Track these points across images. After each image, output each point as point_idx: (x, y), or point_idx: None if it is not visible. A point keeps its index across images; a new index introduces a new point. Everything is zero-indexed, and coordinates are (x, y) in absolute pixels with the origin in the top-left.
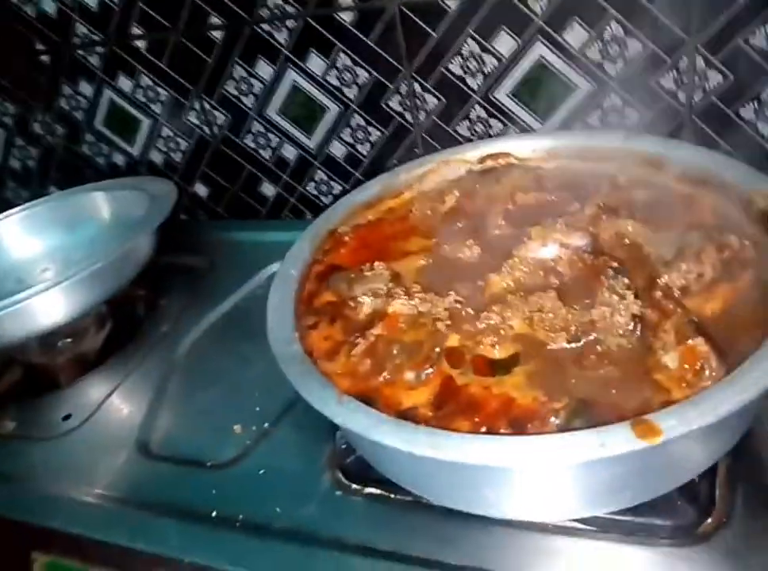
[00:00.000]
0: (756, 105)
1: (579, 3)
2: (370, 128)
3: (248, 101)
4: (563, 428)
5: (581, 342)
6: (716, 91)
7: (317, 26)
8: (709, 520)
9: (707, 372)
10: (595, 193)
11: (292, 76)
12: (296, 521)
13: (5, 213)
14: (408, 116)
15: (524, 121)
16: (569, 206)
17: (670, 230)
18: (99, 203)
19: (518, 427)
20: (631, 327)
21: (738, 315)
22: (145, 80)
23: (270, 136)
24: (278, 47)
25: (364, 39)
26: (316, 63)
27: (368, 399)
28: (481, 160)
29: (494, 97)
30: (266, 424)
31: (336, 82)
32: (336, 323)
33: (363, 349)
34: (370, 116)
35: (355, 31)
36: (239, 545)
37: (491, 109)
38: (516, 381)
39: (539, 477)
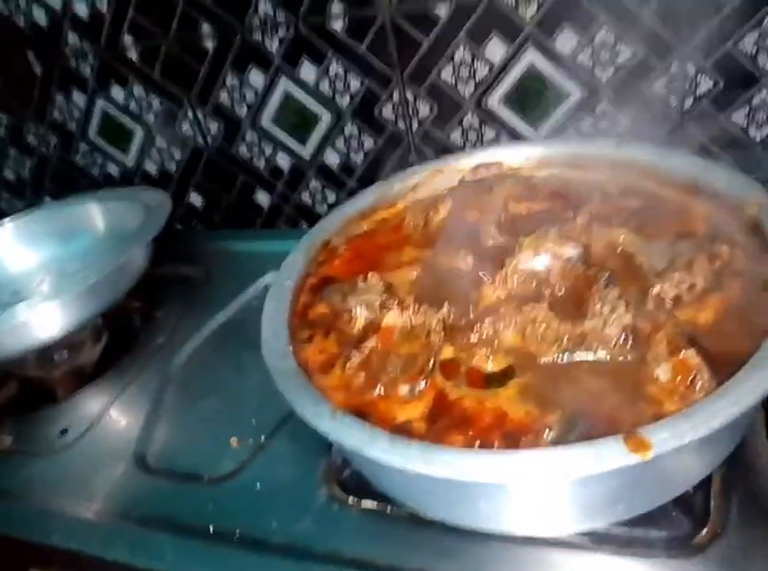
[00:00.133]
0: (747, 110)
1: (569, 9)
2: (363, 136)
3: (241, 109)
4: (557, 442)
5: (574, 355)
6: (707, 96)
7: (309, 34)
8: (705, 531)
9: (699, 384)
10: (587, 202)
11: (285, 84)
12: (292, 536)
13: None
14: (401, 124)
15: (516, 128)
16: (561, 215)
17: (662, 239)
18: (94, 214)
19: (512, 441)
20: (622, 338)
21: (730, 324)
22: (138, 90)
23: (264, 144)
24: (271, 55)
25: (356, 47)
26: (308, 71)
27: (363, 413)
28: (474, 169)
29: (486, 105)
30: (262, 437)
31: (328, 91)
32: (330, 336)
33: (358, 362)
34: (363, 124)
35: (347, 39)
36: (236, 560)
37: (484, 116)
38: (510, 394)
39: (532, 492)
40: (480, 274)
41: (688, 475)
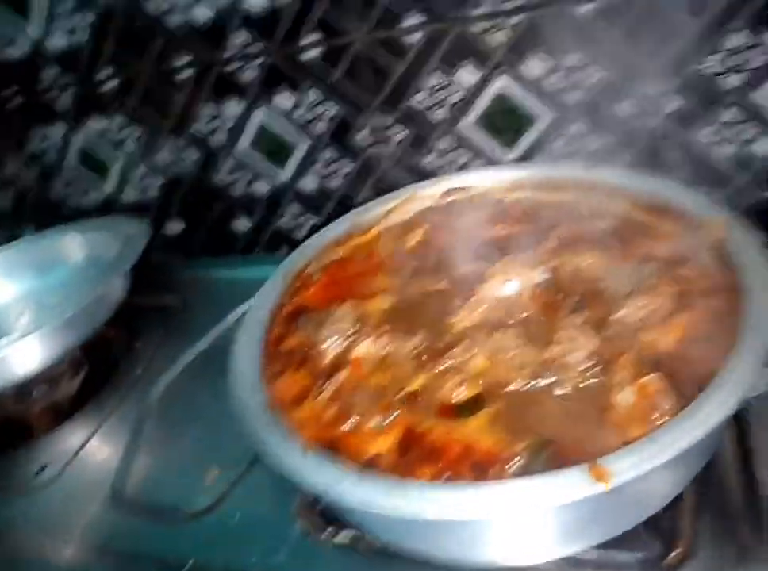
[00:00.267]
0: (714, 129)
1: (538, 35)
2: (340, 161)
3: (219, 138)
4: (525, 470)
5: (541, 381)
6: (673, 116)
7: (285, 63)
8: (675, 552)
9: (663, 407)
10: (556, 225)
11: (261, 113)
12: (270, 570)
13: None
14: (376, 149)
15: (489, 151)
16: (531, 239)
17: (629, 261)
18: (71, 244)
19: (480, 472)
20: (588, 364)
21: (694, 347)
22: (117, 120)
23: (242, 171)
24: (247, 84)
25: (332, 74)
26: (284, 99)
27: (334, 447)
28: (446, 194)
29: (460, 128)
30: (240, 468)
31: (305, 117)
32: (302, 368)
33: (329, 395)
34: (339, 149)
35: (322, 67)
36: None
37: (457, 140)
38: (480, 423)
39: (502, 523)
40: (452, 300)
41: (655, 497)
